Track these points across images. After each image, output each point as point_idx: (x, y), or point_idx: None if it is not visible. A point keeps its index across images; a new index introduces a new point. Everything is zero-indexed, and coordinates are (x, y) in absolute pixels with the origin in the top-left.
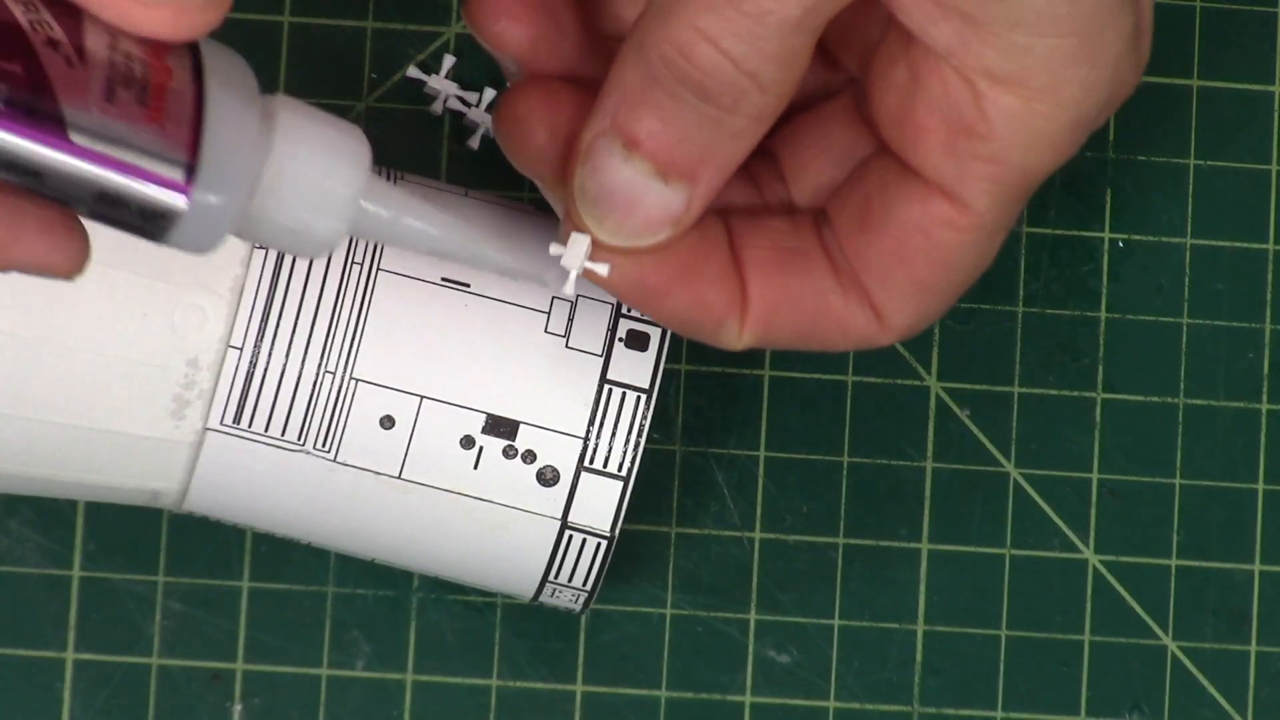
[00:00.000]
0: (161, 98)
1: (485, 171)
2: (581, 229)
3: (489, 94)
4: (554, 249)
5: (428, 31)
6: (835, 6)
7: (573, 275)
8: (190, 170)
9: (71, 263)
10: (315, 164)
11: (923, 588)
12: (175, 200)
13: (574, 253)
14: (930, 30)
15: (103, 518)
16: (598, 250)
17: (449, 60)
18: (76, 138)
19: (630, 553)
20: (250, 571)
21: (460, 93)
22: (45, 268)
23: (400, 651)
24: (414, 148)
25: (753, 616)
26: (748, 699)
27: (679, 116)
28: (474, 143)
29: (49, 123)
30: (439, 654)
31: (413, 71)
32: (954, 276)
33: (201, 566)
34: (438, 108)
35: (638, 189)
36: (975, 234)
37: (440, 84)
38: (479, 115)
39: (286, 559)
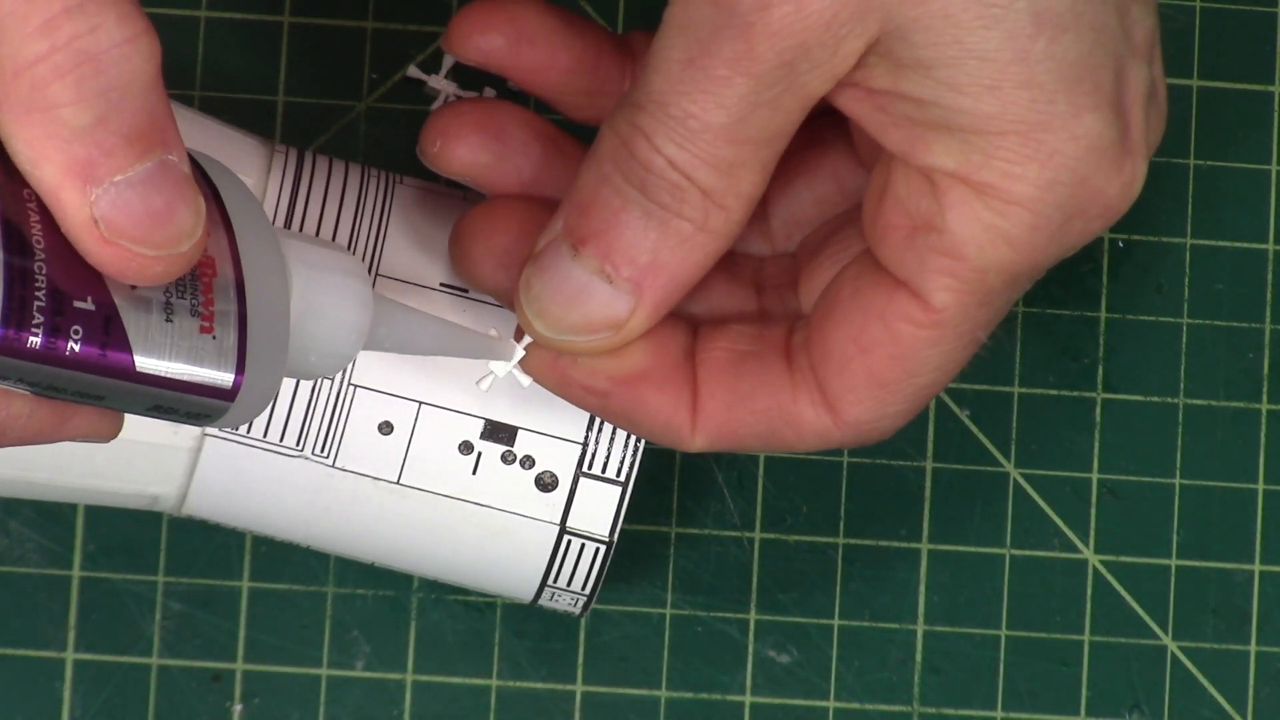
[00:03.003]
0: (210, 299)
1: None
2: (524, 326)
3: (489, 94)
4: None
5: (428, 31)
6: (773, 123)
7: (492, 377)
8: (238, 380)
9: (113, 431)
10: (330, 319)
11: (923, 588)
12: (223, 406)
13: (505, 354)
14: (884, 136)
15: (103, 518)
16: (534, 351)
17: (449, 60)
18: (142, 366)
19: (630, 553)
20: (250, 571)
21: (460, 93)
22: (90, 439)
23: (400, 651)
24: (414, 148)
25: (753, 616)
26: (748, 699)
27: (625, 214)
28: None
29: (118, 358)
30: (439, 654)
31: (413, 71)
32: (914, 376)
33: (201, 567)
34: (438, 107)
35: (581, 285)
36: (935, 332)
37: (440, 84)
38: None
39: (286, 559)
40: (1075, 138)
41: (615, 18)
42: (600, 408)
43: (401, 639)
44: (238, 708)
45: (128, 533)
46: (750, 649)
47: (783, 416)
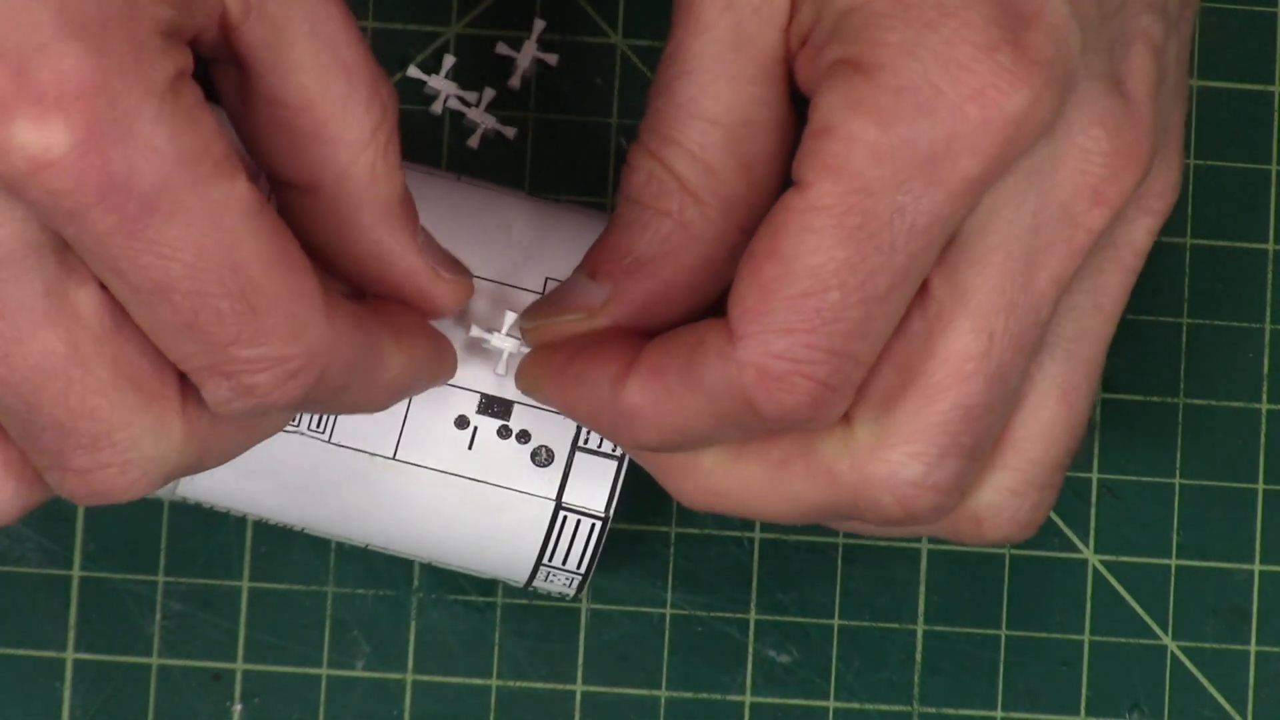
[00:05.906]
0: None
1: (484, 171)
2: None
3: (489, 94)
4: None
5: (428, 31)
6: (735, 98)
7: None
8: None
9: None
10: None
11: (923, 588)
12: None
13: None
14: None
15: (103, 518)
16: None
17: (449, 60)
18: None
19: (630, 552)
20: (250, 571)
21: (460, 93)
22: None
23: (400, 651)
24: (414, 148)
25: (753, 616)
26: (748, 699)
27: (616, 222)
28: (474, 142)
29: None
30: (439, 654)
31: (413, 71)
32: (789, 264)
33: (201, 566)
34: (438, 108)
35: (570, 284)
36: (806, 216)
37: (440, 84)
38: (479, 115)
39: (286, 559)
40: (942, 6)
41: (615, 18)
42: (544, 396)
43: (401, 639)
44: (238, 708)
45: (128, 533)
46: (750, 649)
47: (699, 346)
